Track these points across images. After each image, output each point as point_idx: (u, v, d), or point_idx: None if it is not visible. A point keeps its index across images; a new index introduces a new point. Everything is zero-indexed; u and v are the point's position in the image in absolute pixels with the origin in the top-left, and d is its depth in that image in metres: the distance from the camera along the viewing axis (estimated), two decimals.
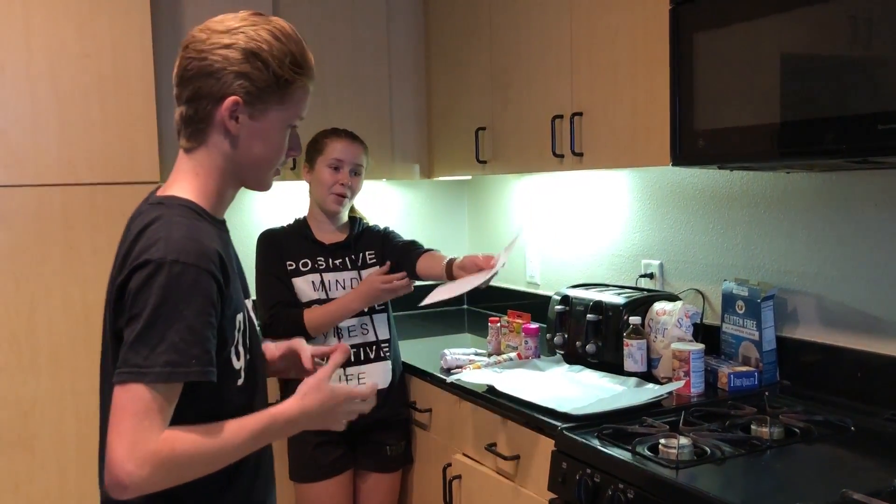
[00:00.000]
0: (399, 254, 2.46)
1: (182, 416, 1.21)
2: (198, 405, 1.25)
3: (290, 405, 1.33)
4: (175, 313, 1.18)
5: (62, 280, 2.37)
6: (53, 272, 2.36)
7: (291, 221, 2.53)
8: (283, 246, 2.43)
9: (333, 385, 1.37)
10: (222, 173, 1.35)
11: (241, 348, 1.34)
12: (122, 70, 2.41)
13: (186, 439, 1.19)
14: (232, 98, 1.29)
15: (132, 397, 1.16)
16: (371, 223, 2.60)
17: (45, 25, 2.32)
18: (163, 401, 1.17)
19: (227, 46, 1.29)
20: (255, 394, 1.38)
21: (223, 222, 1.40)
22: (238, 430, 1.25)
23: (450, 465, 2.29)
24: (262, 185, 1.41)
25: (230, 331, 1.30)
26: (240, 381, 1.33)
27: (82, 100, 2.37)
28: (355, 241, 2.50)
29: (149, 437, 1.15)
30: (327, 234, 2.48)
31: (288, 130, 1.38)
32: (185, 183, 1.34)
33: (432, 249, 2.46)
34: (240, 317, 1.34)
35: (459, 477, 2.25)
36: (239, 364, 1.33)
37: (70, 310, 2.38)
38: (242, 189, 1.43)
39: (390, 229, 2.59)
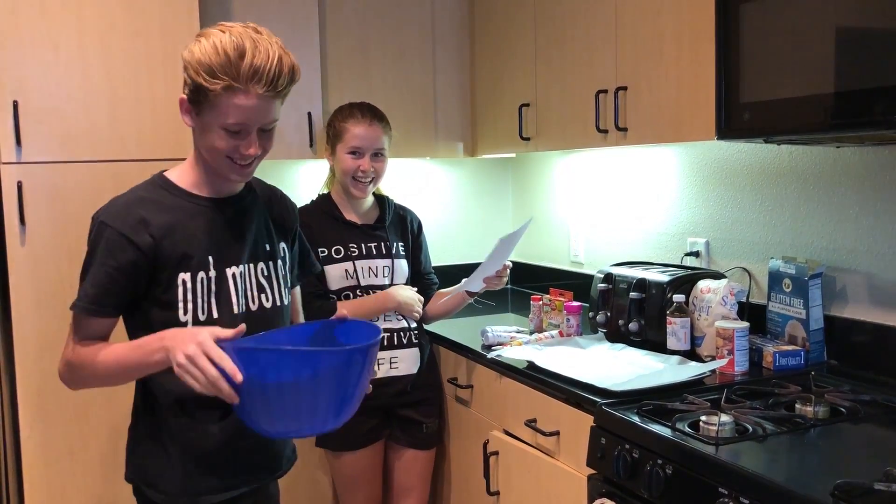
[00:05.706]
0: (417, 282, 2.56)
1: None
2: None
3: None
4: (88, 259, 1.55)
5: None
6: None
7: (315, 198, 2.52)
8: (312, 230, 2.34)
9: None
10: (198, 157, 1.61)
11: (190, 305, 1.56)
12: (171, 49, 2.44)
13: (82, 352, 1.54)
14: (181, 96, 1.54)
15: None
16: (396, 201, 2.61)
17: (96, 4, 2.37)
18: (77, 324, 1.56)
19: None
20: None
21: (212, 199, 1.62)
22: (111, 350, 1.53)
23: (489, 441, 2.31)
24: (221, 173, 1.58)
25: (170, 290, 1.54)
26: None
27: (132, 78, 2.42)
28: (389, 225, 2.51)
29: (66, 347, 1.57)
30: (357, 214, 2.48)
31: (223, 131, 1.50)
32: (183, 163, 1.65)
33: (434, 285, 2.60)
34: (185, 276, 1.55)
35: (497, 453, 2.26)
36: (185, 318, 1.55)
37: None
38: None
39: (422, 228, 2.62)
